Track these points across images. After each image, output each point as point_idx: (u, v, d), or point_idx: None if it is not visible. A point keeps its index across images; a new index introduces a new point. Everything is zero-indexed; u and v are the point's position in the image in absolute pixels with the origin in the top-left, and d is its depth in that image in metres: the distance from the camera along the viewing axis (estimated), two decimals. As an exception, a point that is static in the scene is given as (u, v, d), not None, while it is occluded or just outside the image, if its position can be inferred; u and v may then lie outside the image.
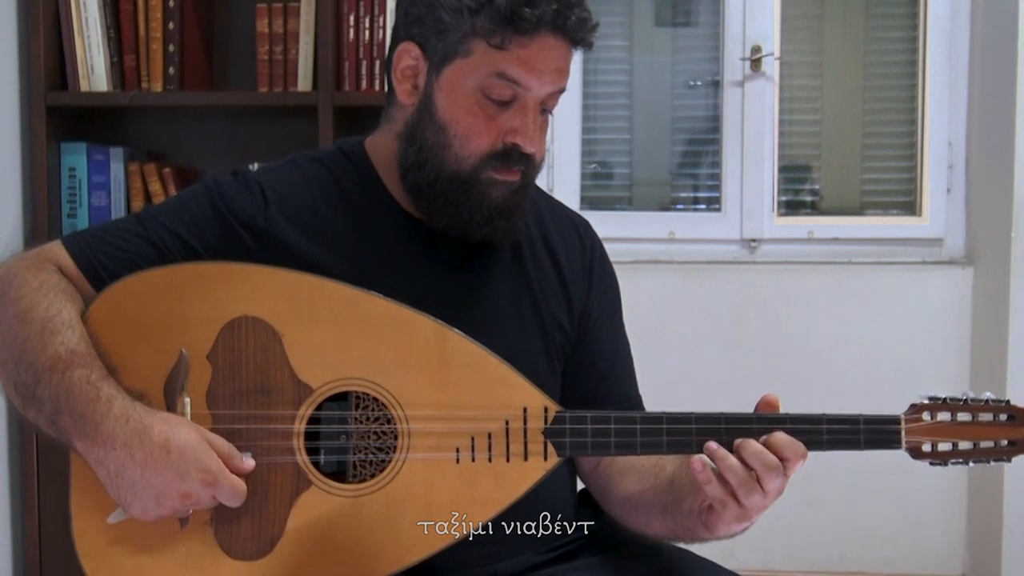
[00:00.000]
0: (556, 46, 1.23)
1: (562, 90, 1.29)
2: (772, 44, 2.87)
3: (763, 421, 1.20)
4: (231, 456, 1.18)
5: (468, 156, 1.26)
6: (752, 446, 1.16)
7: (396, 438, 1.22)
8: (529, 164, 1.29)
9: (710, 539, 1.24)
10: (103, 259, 1.27)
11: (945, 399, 1.22)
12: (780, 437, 1.16)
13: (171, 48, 2.44)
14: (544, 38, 1.22)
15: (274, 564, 1.21)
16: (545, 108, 1.29)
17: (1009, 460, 1.22)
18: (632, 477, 1.35)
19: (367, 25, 2.44)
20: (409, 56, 1.28)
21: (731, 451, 1.17)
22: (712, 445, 1.17)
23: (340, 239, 1.31)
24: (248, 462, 1.19)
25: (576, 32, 1.24)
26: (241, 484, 1.18)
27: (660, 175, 3.07)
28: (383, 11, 2.41)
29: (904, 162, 2.96)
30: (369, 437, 1.23)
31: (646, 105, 3.04)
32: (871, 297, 2.81)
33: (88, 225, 2.41)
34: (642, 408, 1.44)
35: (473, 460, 1.21)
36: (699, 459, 1.17)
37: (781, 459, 1.15)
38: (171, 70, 2.45)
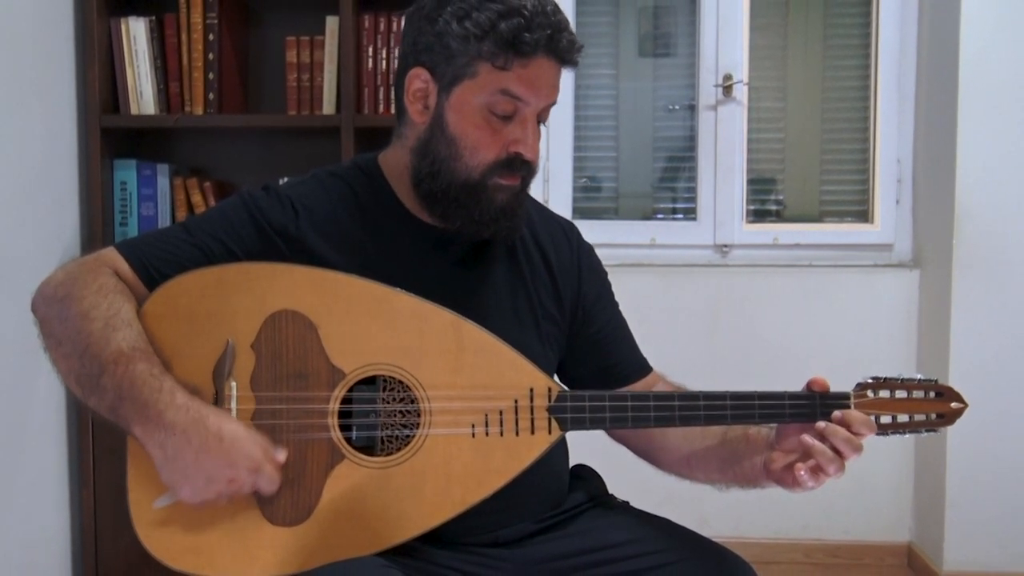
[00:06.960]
0: (550, 66, 1.25)
1: (554, 103, 1.31)
2: (742, 72, 2.88)
3: (735, 398, 1.24)
4: (267, 449, 1.18)
5: (477, 165, 1.26)
6: (841, 433, 1.21)
7: (419, 416, 1.22)
8: (528, 170, 1.30)
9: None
10: (155, 262, 1.27)
11: (885, 378, 1.26)
12: (854, 416, 1.22)
13: (211, 76, 2.46)
14: (540, 59, 1.24)
15: (311, 529, 1.21)
16: (540, 119, 1.30)
17: (937, 431, 1.27)
18: (676, 437, 1.39)
19: (384, 56, 2.46)
20: (419, 80, 1.28)
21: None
22: (822, 425, 1.22)
23: (359, 245, 1.31)
24: (281, 454, 1.19)
25: (567, 53, 1.26)
26: (277, 473, 1.19)
27: (642, 188, 3.08)
28: (398, 43, 2.41)
29: (858, 175, 2.97)
30: (395, 415, 1.23)
31: (630, 127, 3.05)
32: (829, 296, 2.82)
33: (137, 233, 2.43)
34: (649, 367, 1.47)
35: (487, 435, 1.22)
36: (801, 466, 1.22)
37: (856, 435, 1.21)
38: (211, 95, 2.46)
